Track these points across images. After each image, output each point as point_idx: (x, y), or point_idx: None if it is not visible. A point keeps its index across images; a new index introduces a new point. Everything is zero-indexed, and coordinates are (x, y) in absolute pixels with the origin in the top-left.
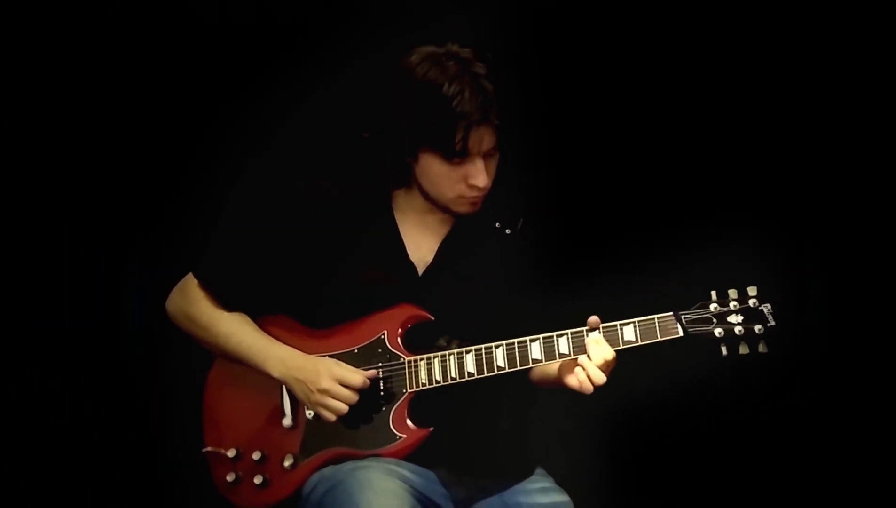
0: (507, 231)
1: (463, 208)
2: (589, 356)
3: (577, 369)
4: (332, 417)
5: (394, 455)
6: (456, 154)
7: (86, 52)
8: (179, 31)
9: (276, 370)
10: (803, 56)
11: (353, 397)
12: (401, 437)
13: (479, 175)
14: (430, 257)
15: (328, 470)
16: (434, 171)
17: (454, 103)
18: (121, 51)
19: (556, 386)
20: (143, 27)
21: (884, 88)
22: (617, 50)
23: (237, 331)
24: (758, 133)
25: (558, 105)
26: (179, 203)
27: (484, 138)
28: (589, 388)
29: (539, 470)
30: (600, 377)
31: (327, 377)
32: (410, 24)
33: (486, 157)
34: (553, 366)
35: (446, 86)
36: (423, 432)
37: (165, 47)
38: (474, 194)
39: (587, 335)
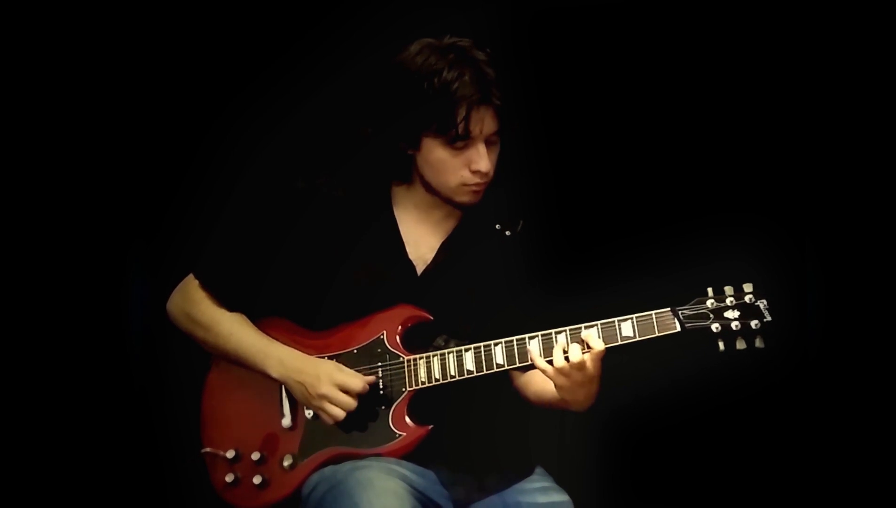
0: (507, 233)
1: (465, 198)
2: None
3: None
4: (330, 421)
5: (393, 453)
6: (458, 137)
7: (86, 53)
8: (179, 33)
9: (274, 371)
10: (802, 56)
11: (353, 403)
12: (400, 435)
13: (482, 160)
14: (429, 257)
15: (328, 470)
16: (436, 157)
17: (454, 86)
18: (121, 51)
19: (557, 406)
20: (143, 29)
21: (883, 87)
22: (615, 51)
23: (237, 331)
24: (756, 132)
25: (557, 107)
26: (180, 204)
27: (485, 120)
28: (545, 367)
29: (539, 470)
30: (544, 366)
31: (327, 383)
32: (409, 25)
33: (487, 143)
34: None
35: (446, 71)
36: (423, 430)
37: (166, 49)
38: (477, 180)
39: (599, 332)
